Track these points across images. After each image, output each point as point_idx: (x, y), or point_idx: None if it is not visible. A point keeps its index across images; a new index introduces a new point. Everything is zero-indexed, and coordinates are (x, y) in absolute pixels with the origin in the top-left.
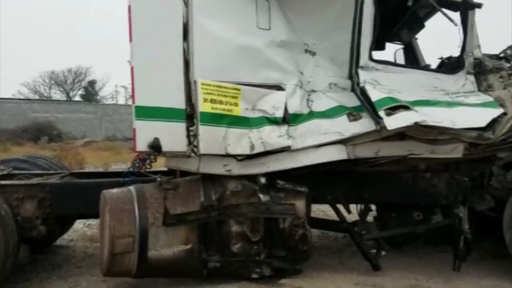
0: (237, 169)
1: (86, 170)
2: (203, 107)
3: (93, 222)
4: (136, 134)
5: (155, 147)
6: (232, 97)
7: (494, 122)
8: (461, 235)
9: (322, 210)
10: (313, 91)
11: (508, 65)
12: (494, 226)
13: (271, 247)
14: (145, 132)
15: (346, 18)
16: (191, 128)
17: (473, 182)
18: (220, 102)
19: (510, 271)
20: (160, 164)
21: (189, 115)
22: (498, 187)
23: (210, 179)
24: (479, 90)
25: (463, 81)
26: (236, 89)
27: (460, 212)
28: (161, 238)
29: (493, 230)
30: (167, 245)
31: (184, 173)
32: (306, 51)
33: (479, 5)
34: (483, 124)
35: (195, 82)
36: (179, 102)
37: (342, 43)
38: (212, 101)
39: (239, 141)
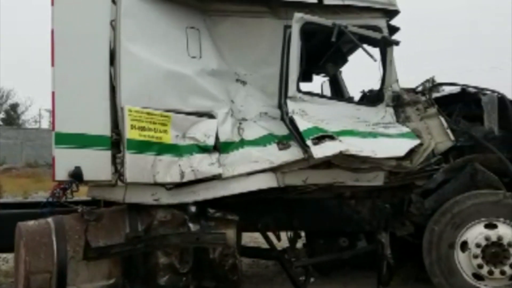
0: (166, 198)
1: (3, 199)
2: (130, 134)
3: (10, 256)
4: (55, 162)
5: (76, 175)
6: (162, 124)
7: (411, 152)
8: (383, 260)
9: (254, 238)
10: (244, 119)
11: (424, 98)
12: (415, 251)
13: (201, 278)
14: (66, 160)
15: (274, 52)
16: (118, 156)
17: (393, 209)
18: (149, 129)
19: None
20: (84, 193)
21: (115, 142)
22: (416, 214)
23: (137, 209)
24: (397, 122)
25: (383, 113)
26: (165, 116)
27: (383, 238)
28: (81, 273)
29: (414, 255)
30: (88, 280)
31: (109, 203)
32: (237, 80)
33: (396, 42)
34: (401, 153)
35: (122, 108)
36: (104, 129)
37: (271, 75)
38: (140, 128)
39: (169, 169)
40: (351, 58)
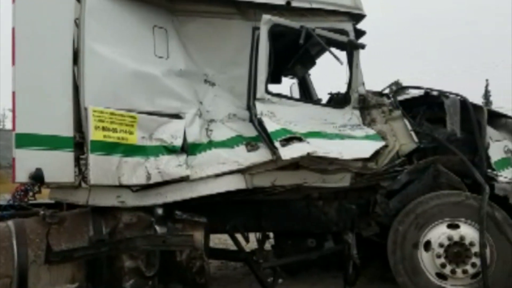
0: (132, 200)
1: None
2: (94, 135)
3: None
4: (16, 163)
5: (37, 177)
6: (127, 125)
7: (377, 154)
8: (350, 260)
9: (224, 240)
10: (213, 120)
11: (389, 101)
12: (381, 251)
13: (167, 282)
14: (26, 162)
15: (243, 53)
16: (81, 157)
17: (360, 210)
18: (114, 130)
19: None
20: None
21: (79, 144)
22: (381, 214)
23: (101, 212)
24: (363, 124)
25: (349, 115)
26: (131, 117)
27: (349, 238)
28: (43, 278)
29: (380, 255)
30: (51, 285)
31: (72, 206)
32: (205, 81)
33: (363, 46)
34: (367, 155)
35: (85, 108)
36: (67, 130)
37: (240, 76)
38: (105, 129)
39: (135, 170)
40: (321, 60)
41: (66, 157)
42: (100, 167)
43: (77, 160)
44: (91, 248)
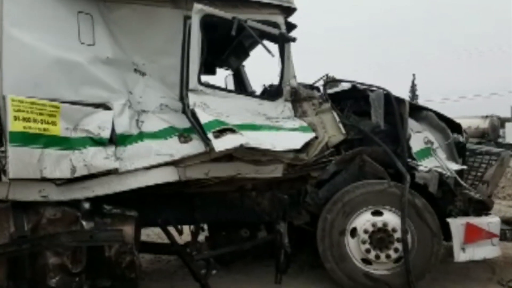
0: (56, 194)
1: None
2: (13, 126)
3: None
4: None
5: None
6: (49, 115)
7: (307, 145)
8: (281, 249)
9: (156, 233)
10: (144, 111)
11: (319, 94)
12: (311, 239)
13: (95, 278)
14: None
15: (174, 42)
16: (0, 149)
17: (291, 200)
18: (35, 121)
19: (325, 280)
20: None
21: None
22: (312, 204)
23: (23, 207)
24: (295, 116)
25: (282, 107)
26: (54, 106)
27: (281, 228)
28: None
29: (310, 242)
30: None
31: None
32: (135, 70)
33: (293, 39)
34: (298, 146)
35: (3, 97)
36: None
37: (171, 66)
38: (25, 119)
39: (58, 163)
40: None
41: None
42: (21, 160)
43: None
44: (12, 245)
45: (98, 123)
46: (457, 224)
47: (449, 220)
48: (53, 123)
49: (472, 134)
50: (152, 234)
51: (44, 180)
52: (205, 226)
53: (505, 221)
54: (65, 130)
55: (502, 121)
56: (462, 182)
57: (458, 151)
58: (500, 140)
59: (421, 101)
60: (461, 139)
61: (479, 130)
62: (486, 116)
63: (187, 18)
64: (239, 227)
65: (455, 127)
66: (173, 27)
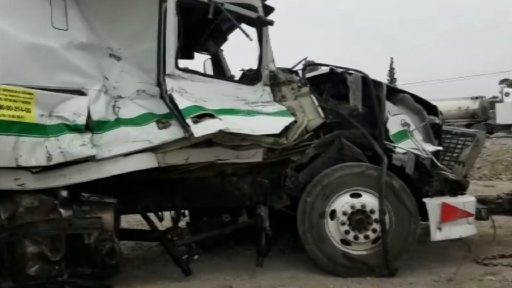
0: (32, 182)
1: None
2: None
3: None
4: None
5: None
6: (23, 102)
7: (287, 129)
8: (262, 233)
9: (137, 220)
10: (120, 97)
11: (298, 78)
12: (291, 222)
13: (75, 266)
14: None
15: (150, 27)
16: None
17: (272, 184)
18: (8, 108)
19: (305, 262)
20: None
21: None
22: (291, 187)
23: None
24: (274, 101)
25: (260, 92)
26: (28, 93)
27: (262, 212)
28: None
29: (290, 226)
30: None
31: None
32: (110, 55)
33: (271, 23)
34: (277, 131)
35: None
36: None
37: (147, 50)
38: None
39: (34, 151)
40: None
41: None
42: None
43: None
44: None
45: (74, 110)
46: (433, 204)
47: (425, 200)
48: (27, 110)
49: (462, 115)
50: (132, 221)
51: (19, 168)
52: (186, 212)
53: (481, 201)
54: (39, 117)
55: (491, 103)
56: (438, 163)
57: (434, 132)
58: (489, 121)
59: (399, 85)
60: (437, 120)
61: (469, 111)
62: (476, 98)
63: (162, 1)
64: (220, 212)
65: (431, 109)
66: (148, 11)
